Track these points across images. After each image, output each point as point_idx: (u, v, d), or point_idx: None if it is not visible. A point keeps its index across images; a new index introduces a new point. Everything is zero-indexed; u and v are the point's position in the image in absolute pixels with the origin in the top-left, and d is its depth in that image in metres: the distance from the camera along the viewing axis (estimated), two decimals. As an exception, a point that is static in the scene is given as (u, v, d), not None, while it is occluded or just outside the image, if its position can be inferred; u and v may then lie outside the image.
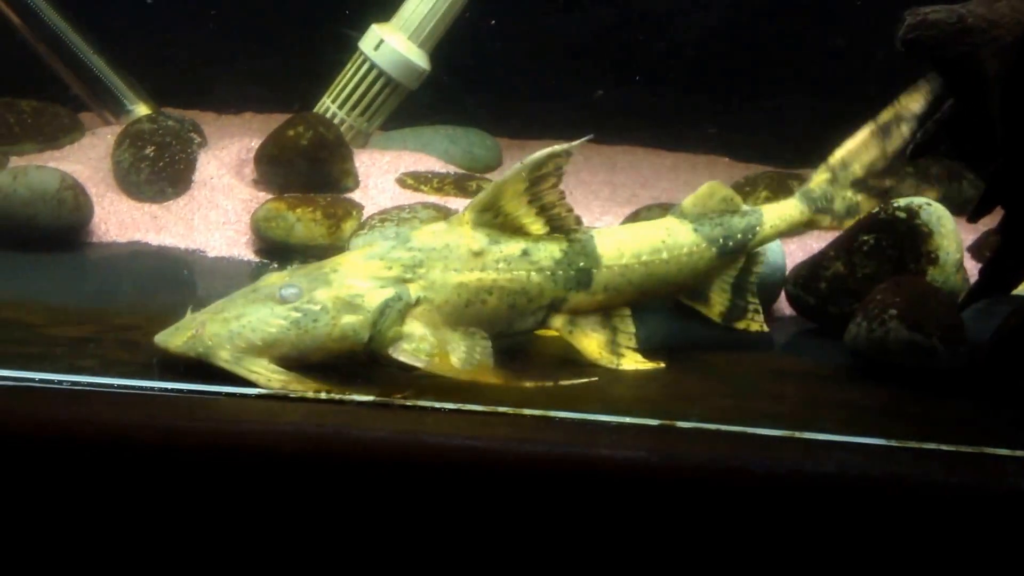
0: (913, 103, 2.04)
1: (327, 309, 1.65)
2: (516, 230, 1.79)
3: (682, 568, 1.47)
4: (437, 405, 1.57)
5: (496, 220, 1.78)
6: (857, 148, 2.11)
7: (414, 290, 1.71)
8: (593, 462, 1.47)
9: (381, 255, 1.73)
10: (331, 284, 1.68)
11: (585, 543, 1.46)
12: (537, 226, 1.80)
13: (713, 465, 1.48)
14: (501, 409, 1.58)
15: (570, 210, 1.81)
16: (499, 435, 1.50)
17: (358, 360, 1.69)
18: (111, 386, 1.56)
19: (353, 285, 1.69)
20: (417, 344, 1.67)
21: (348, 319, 1.66)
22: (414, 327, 1.69)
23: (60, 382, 1.56)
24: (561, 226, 1.81)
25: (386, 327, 1.67)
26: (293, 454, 1.44)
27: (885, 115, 2.09)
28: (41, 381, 1.56)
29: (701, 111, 3.18)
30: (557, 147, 1.76)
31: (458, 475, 1.45)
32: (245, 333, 1.63)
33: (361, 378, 1.65)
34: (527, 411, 1.58)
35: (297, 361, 1.64)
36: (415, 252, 1.73)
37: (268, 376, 1.60)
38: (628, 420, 1.57)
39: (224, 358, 1.61)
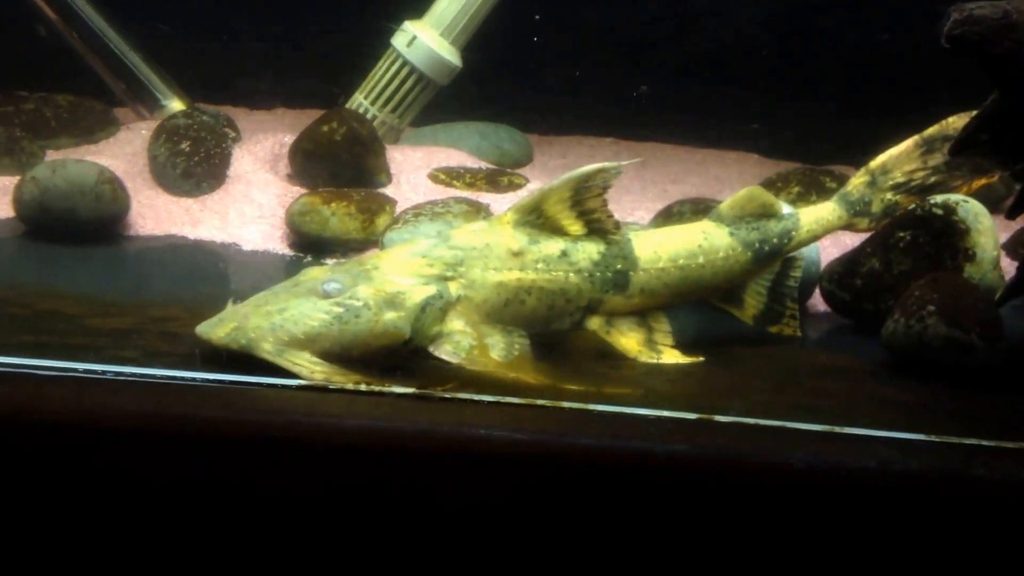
0: (960, 123, 2.05)
1: (369, 305, 1.67)
2: (556, 230, 1.81)
3: (721, 564, 1.47)
4: (477, 398, 1.58)
5: (538, 221, 1.80)
6: (900, 156, 2.13)
7: (454, 288, 1.72)
8: (631, 456, 1.47)
9: (423, 253, 1.74)
10: (373, 280, 1.70)
11: (623, 538, 1.46)
12: (576, 227, 1.82)
13: (754, 459, 1.48)
14: (539, 402, 1.58)
15: (610, 215, 1.84)
16: (537, 428, 1.51)
17: (399, 356, 1.70)
18: (155, 376, 1.57)
19: (395, 282, 1.70)
20: (458, 341, 1.68)
21: (390, 315, 1.67)
22: (455, 324, 1.70)
23: (104, 372, 1.57)
24: (599, 229, 1.83)
25: (427, 324, 1.69)
26: (338, 445, 1.45)
27: (932, 130, 2.12)
28: (84, 371, 1.57)
29: (733, 107, 3.17)
30: (608, 164, 1.80)
31: (497, 467, 1.46)
32: (287, 326, 1.64)
33: (401, 372, 1.66)
34: (566, 404, 1.58)
35: (338, 356, 1.65)
36: (456, 250, 1.75)
37: (311, 368, 1.61)
38: (666, 414, 1.57)
39: (267, 350, 1.62)
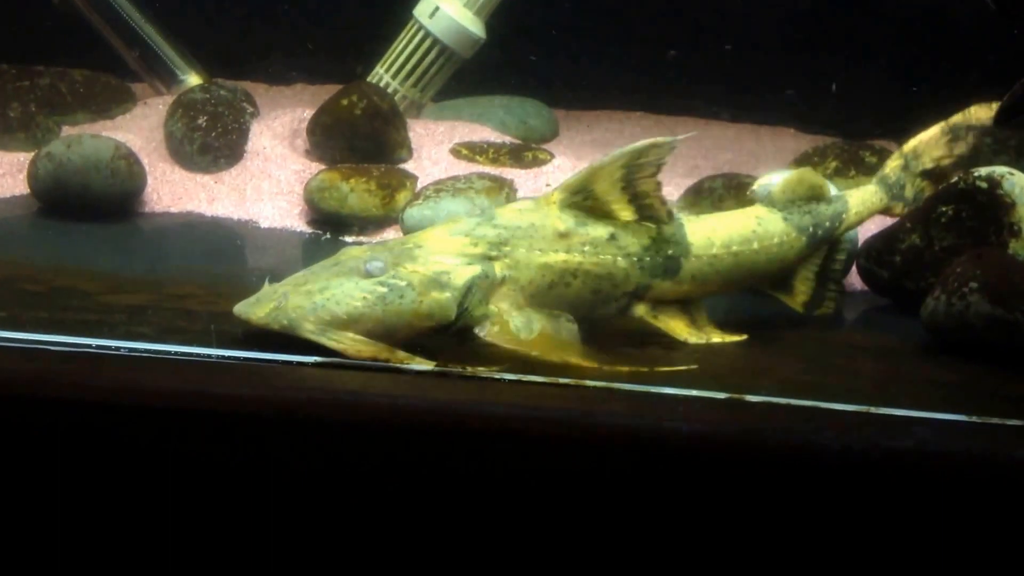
0: (983, 112, 2.05)
1: (413, 285, 1.62)
2: (605, 215, 1.75)
3: (752, 547, 1.42)
4: (498, 376, 1.53)
5: (586, 203, 1.74)
6: (928, 142, 2.11)
7: (499, 268, 1.68)
8: (660, 436, 1.42)
9: (466, 231, 1.69)
10: (416, 260, 1.65)
11: (649, 519, 1.41)
12: (627, 213, 1.76)
13: (787, 441, 1.43)
14: (562, 380, 1.54)
15: (664, 202, 1.77)
16: (563, 406, 1.46)
17: (443, 338, 1.66)
18: (170, 353, 1.55)
19: (440, 261, 1.65)
20: (504, 324, 1.64)
21: (435, 296, 1.62)
22: (501, 305, 1.66)
23: (118, 348, 1.55)
24: (652, 216, 1.77)
25: (473, 305, 1.64)
26: (357, 421, 1.42)
27: (956, 118, 2.10)
28: (98, 347, 1.55)
29: (769, 79, 3.07)
30: (660, 139, 1.72)
31: (522, 446, 1.41)
32: (329, 306, 1.59)
33: (444, 353, 1.62)
34: (590, 383, 1.54)
35: (382, 338, 1.60)
36: (500, 229, 1.69)
37: (357, 347, 1.56)
38: (695, 393, 1.53)
39: (309, 329, 1.58)
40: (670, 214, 1.79)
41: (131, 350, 1.55)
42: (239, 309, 1.63)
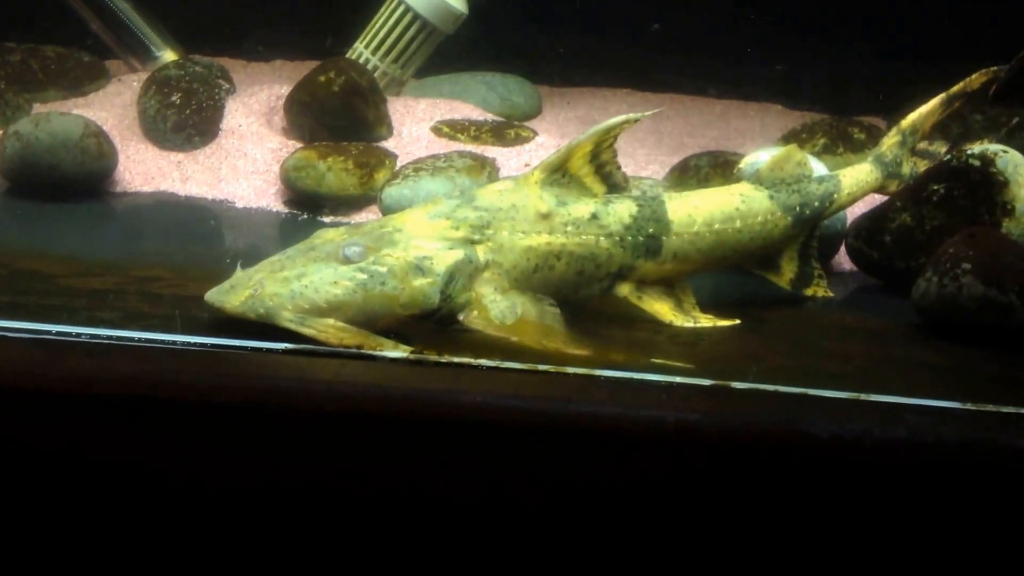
0: (980, 79, 2.02)
1: (394, 271, 1.57)
2: (581, 189, 1.72)
3: (739, 538, 1.38)
4: (475, 363, 1.48)
5: (564, 180, 1.70)
6: (928, 114, 2.08)
7: (482, 252, 1.62)
8: (643, 425, 1.38)
9: (447, 214, 1.64)
10: (397, 244, 1.59)
11: (630, 511, 1.37)
12: (598, 187, 1.73)
13: (774, 429, 1.39)
14: (542, 368, 1.49)
15: (619, 167, 1.75)
16: (539, 395, 1.41)
17: (426, 326, 1.61)
18: (129, 339, 1.49)
19: (421, 246, 1.60)
20: (489, 310, 1.59)
21: (418, 282, 1.57)
22: (485, 291, 1.61)
23: (79, 335, 1.49)
24: (612, 184, 1.74)
25: (456, 292, 1.59)
26: (326, 410, 1.36)
27: (956, 88, 2.06)
28: (58, 334, 1.49)
29: (756, 55, 3.01)
30: (632, 115, 1.70)
31: (501, 437, 1.36)
32: (308, 294, 1.54)
33: (425, 341, 1.57)
34: (571, 370, 1.49)
35: (363, 325, 1.55)
36: (482, 212, 1.64)
37: (339, 335, 1.51)
38: (679, 380, 1.48)
39: (288, 318, 1.52)
40: (625, 178, 1.76)
41: (92, 336, 1.50)
42: (212, 296, 1.57)
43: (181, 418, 1.38)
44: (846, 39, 2.95)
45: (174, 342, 1.50)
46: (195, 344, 1.50)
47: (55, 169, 2.35)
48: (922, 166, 2.08)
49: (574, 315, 1.67)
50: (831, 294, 1.98)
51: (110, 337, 1.51)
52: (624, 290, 1.76)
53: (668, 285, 1.80)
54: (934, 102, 2.07)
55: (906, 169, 2.06)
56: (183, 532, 1.40)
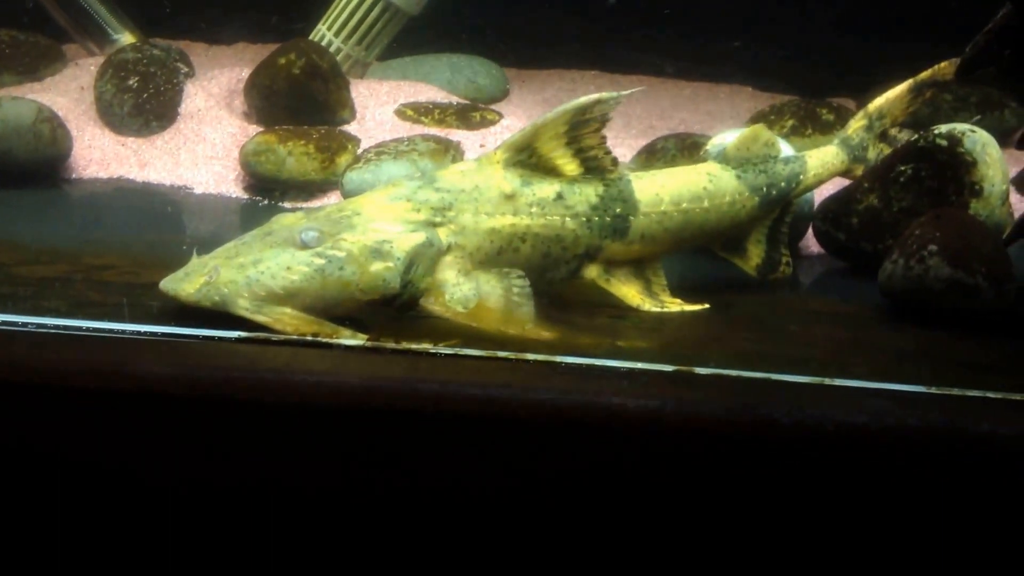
0: (951, 68, 1.99)
1: (353, 256, 1.52)
2: (550, 171, 1.67)
3: (701, 527, 1.36)
4: (434, 350, 1.45)
5: (531, 160, 1.65)
6: (895, 99, 2.06)
7: (444, 235, 1.58)
8: (602, 412, 1.35)
9: (407, 196, 1.59)
10: (355, 228, 1.55)
11: (592, 500, 1.34)
12: (572, 166, 1.68)
13: (735, 416, 1.36)
14: (501, 354, 1.45)
15: (608, 152, 1.70)
16: (502, 381, 1.38)
17: (387, 311, 1.56)
18: (77, 328, 1.44)
19: (380, 229, 1.55)
20: (452, 294, 1.55)
21: (377, 267, 1.52)
22: (447, 275, 1.57)
23: (24, 324, 1.44)
24: (597, 167, 1.70)
25: (418, 276, 1.55)
26: (281, 401, 1.32)
27: (925, 75, 2.04)
28: (2, 323, 1.45)
29: (723, 37, 2.98)
30: (606, 94, 1.65)
31: (460, 424, 1.33)
32: (264, 280, 1.49)
33: (388, 328, 1.53)
34: (530, 356, 1.46)
35: (322, 312, 1.51)
36: (443, 193, 1.60)
37: (296, 324, 1.47)
38: (640, 366, 1.45)
39: (243, 307, 1.48)
40: (615, 162, 1.72)
41: (38, 326, 1.45)
42: (166, 285, 1.52)
43: (126, 409, 1.34)
44: (810, 14, 2.93)
45: (122, 331, 1.46)
46: (143, 333, 1.46)
47: (7, 155, 2.31)
48: (888, 152, 2.06)
49: (539, 301, 1.64)
50: (789, 270, 1.96)
51: (56, 326, 1.46)
52: (592, 272, 1.72)
53: (638, 267, 1.77)
54: (902, 88, 2.05)
55: (872, 154, 2.04)
56: (121, 524, 1.37)
